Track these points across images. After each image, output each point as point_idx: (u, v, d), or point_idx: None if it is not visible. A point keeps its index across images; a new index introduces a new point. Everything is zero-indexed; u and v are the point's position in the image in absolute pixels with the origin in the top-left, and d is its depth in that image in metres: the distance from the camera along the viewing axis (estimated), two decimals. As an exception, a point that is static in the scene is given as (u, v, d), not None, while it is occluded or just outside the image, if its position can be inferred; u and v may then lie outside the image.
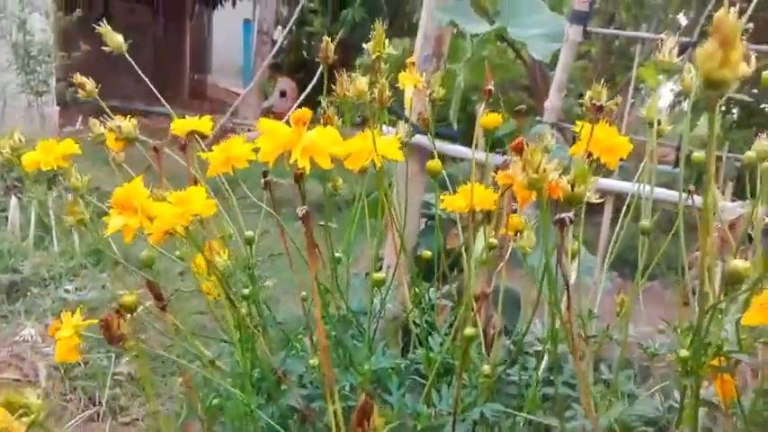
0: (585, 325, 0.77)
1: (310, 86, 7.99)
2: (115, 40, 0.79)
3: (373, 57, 0.68)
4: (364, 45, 0.72)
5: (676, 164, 3.82)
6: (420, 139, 1.53)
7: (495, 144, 1.63)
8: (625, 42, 5.12)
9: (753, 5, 1.76)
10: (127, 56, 0.85)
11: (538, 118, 3.21)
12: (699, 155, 0.76)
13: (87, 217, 0.77)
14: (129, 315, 0.66)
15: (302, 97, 8.15)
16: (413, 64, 0.85)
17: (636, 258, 0.78)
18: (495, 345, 0.75)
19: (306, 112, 0.56)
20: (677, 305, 0.75)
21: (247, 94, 8.48)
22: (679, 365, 0.56)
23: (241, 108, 8.61)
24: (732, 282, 0.45)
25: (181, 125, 0.75)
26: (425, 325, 0.83)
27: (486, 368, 0.69)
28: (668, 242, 0.75)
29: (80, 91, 0.83)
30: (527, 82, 5.24)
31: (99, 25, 0.81)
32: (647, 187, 0.81)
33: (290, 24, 8.54)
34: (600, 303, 1.10)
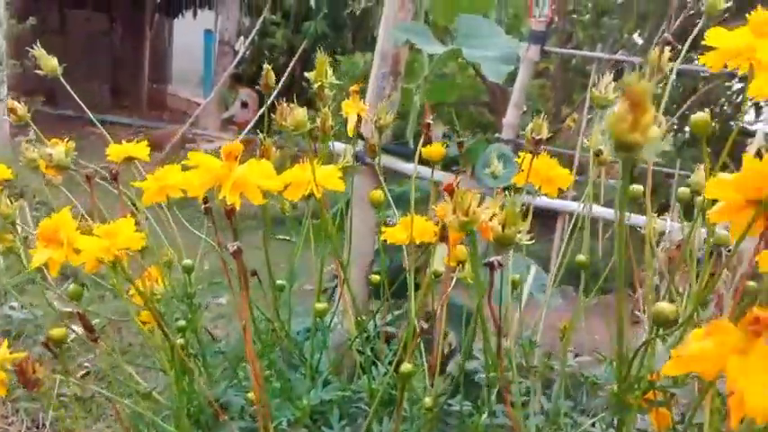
0: (527, 354, 0.77)
1: (271, 98, 7.98)
2: (49, 63, 0.76)
3: (316, 87, 0.67)
4: (306, 74, 0.71)
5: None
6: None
7: (450, 163, 1.64)
8: (581, 61, 5.24)
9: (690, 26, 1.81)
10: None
11: (497, 135, 3.25)
12: (638, 187, 0.77)
13: (18, 245, 0.74)
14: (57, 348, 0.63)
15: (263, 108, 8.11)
16: (356, 92, 0.85)
17: (591, 272, 0.79)
18: (438, 373, 0.75)
19: (237, 147, 0.54)
20: (627, 324, 0.76)
21: (208, 104, 8.39)
22: (611, 399, 0.56)
23: (201, 118, 8.51)
24: (659, 323, 0.46)
25: (117, 151, 0.73)
26: (370, 353, 0.82)
27: (428, 401, 0.69)
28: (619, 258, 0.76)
29: (30, 104, 0.80)
30: (487, 98, 5.29)
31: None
32: (593, 207, 0.82)
33: (251, 35, 8.50)
34: (551, 319, 1.11)
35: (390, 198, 0.89)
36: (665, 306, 0.44)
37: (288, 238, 0.92)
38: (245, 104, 9.22)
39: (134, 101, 10.89)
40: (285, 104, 0.67)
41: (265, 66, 0.79)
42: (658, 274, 0.81)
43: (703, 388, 0.55)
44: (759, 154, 0.42)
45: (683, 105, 4.00)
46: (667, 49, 0.66)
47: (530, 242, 0.51)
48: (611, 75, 0.79)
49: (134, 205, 0.77)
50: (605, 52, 4.56)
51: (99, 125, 0.92)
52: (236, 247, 0.51)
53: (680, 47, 0.73)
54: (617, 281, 0.43)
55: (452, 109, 1.89)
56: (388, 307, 0.92)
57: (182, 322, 0.75)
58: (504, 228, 0.45)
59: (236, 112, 9.19)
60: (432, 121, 1.51)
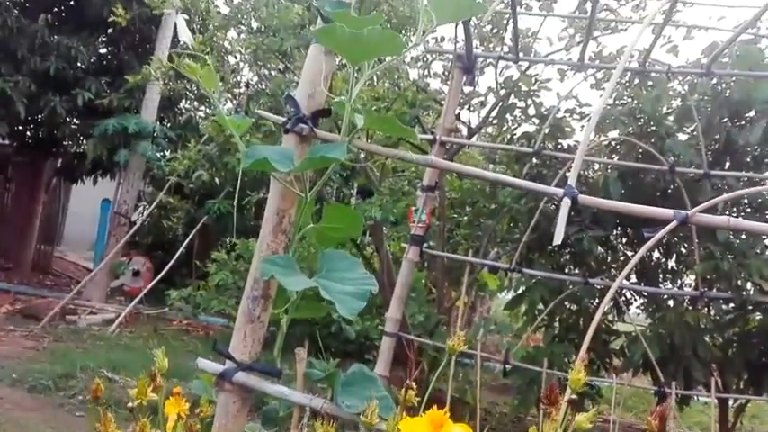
0: None
1: (168, 266, 7.87)
2: None
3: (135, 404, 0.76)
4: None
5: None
6: (241, 377, 1.59)
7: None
8: (464, 251, 5.67)
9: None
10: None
11: (380, 327, 3.38)
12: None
13: None
14: None
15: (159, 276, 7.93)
16: (178, 394, 0.94)
17: None
18: None
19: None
20: None
21: (95, 274, 8.17)
22: None
23: (88, 287, 8.24)
24: None
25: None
26: None
27: None
28: None
29: None
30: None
31: None
32: None
33: (150, 208, 8.58)
34: None
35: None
36: None
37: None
38: (136, 273, 9.04)
39: (18, 262, 10.44)
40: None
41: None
42: None
43: None
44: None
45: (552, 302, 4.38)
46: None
47: None
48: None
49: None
50: (482, 250, 4.99)
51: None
52: None
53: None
54: None
55: (317, 330, 2.02)
56: None
57: None
58: None
59: (126, 281, 8.98)
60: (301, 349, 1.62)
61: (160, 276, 7.89)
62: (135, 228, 8.51)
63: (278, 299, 1.71)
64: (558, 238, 1.43)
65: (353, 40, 1.43)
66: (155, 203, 8.24)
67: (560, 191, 1.49)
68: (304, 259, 5.39)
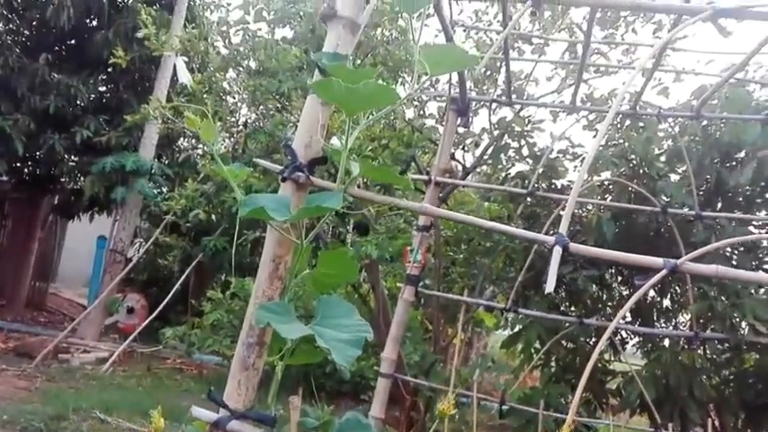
0: None
1: (163, 304, 7.83)
2: None
3: None
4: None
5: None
6: (235, 425, 1.59)
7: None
8: (460, 289, 5.67)
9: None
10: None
11: (376, 367, 3.36)
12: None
13: None
14: None
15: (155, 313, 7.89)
16: None
17: None
18: None
19: None
20: None
21: (89, 312, 8.12)
22: None
23: (82, 325, 8.18)
24: None
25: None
26: None
27: None
28: None
29: None
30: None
31: None
32: None
33: (146, 246, 8.58)
34: None
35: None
36: None
37: None
38: (131, 310, 8.98)
39: (12, 298, 10.38)
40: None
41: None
42: None
43: None
44: None
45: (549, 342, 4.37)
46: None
47: None
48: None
49: None
50: (478, 287, 5.00)
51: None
52: None
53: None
54: None
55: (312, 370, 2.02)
56: None
57: None
58: None
59: (121, 318, 8.92)
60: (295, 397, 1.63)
61: (155, 314, 7.85)
62: (131, 265, 8.49)
63: (273, 345, 1.72)
64: (550, 287, 1.45)
65: (349, 93, 1.48)
66: (150, 241, 8.24)
67: (551, 239, 1.51)
68: (299, 298, 5.39)
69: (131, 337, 7.60)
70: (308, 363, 1.84)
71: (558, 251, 1.49)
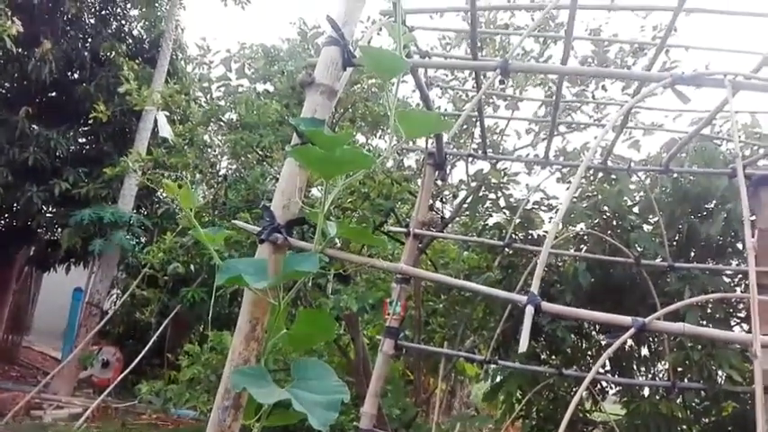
0: None
1: (139, 357, 7.67)
2: None
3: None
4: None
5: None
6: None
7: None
8: (441, 338, 5.66)
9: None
10: None
11: (356, 423, 3.33)
12: None
13: None
14: None
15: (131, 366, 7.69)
16: None
17: None
18: None
19: None
20: None
21: (62, 367, 7.94)
22: None
23: (56, 379, 7.98)
24: None
25: None
26: None
27: None
28: None
29: None
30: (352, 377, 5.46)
31: None
32: None
33: (123, 298, 8.46)
34: None
35: None
36: None
37: None
38: (105, 364, 8.79)
39: (-17, 352, 10.12)
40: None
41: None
42: None
43: None
44: None
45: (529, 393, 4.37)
46: None
47: None
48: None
49: None
50: (458, 337, 5.00)
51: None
52: None
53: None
54: None
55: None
56: None
57: None
58: None
59: (95, 372, 8.71)
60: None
61: (130, 368, 7.70)
62: (107, 318, 8.36)
63: (248, 407, 1.72)
64: (523, 346, 1.49)
65: (326, 159, 1.53)
66: (127, 293, 8.13)
67: (524, 299, 1.56)
68: (279, 351, 5.33)
69: (106, 392, 7.43)
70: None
71: (530, 311, 1.52)
